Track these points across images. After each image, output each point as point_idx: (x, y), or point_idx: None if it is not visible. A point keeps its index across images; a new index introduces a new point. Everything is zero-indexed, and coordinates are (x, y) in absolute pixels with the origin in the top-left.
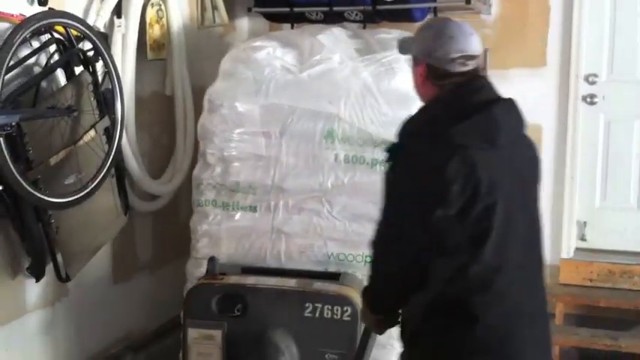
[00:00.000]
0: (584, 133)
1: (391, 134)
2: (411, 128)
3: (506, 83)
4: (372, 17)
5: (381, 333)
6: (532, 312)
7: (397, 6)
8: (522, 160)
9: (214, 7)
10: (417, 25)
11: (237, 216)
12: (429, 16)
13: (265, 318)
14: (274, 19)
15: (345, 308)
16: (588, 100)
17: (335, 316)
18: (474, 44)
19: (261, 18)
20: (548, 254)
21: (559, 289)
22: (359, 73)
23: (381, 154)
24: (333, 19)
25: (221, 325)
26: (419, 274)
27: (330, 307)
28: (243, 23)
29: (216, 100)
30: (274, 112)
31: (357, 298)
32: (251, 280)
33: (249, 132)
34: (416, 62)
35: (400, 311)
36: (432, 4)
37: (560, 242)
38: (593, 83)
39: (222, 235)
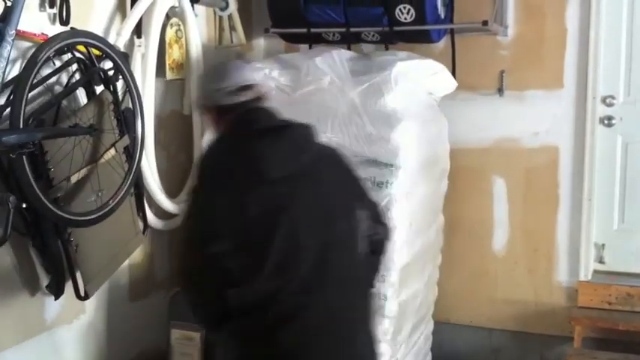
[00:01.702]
0: (602, 154)
1: (374, 152)
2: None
3: (523, 105)
4: (390, 38)
5: None
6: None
7: (414, 27)
8: (320, 185)
9: (232, 28)
10: (435, 46)
11: None
12: (447, 37)
13: None
14: (291, 39)
15: None
16: (606, 121)
17: None
18: (244, 75)
19: (278, 38)
20: (566, 277)
21: (577, 312)
22: (346, 93)
23: (364, 172)
24: (350, 40)
25: (200, 328)
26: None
27: None
28: (261, 43)
29: None
30: None
31: None
32: None
33: None
34: (203, 112)
35: None
36: (449, 26)
37: (578, 265)
38: (610, 105)
39: None
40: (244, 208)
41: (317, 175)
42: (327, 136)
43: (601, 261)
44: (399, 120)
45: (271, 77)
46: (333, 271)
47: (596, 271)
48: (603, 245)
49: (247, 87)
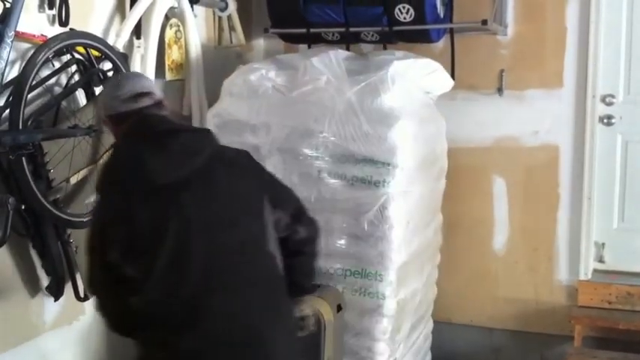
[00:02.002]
0: (602, 153)
1: (371, 152)
2: None
3: (523, 104)
4: (389, 38)
5: None
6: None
7: (414, 27)
8: (216, 188)
9: (231, 28)
10: (434, 45)
11: None
12: (446, 37)
13: None
14: (291, 39)
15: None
16: (605, 120)
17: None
18: (140, 83)
19: (278, 39)
20: (566, 276)
21: (577, 311)
22: (343, 92)
23: (360, 171)
24: (349, 39)
25: None
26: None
27: None
28: (260, 44)
29: (216, 118)
30: (265, 129)
31: (325, 309)
32: None
33: (242, 147)
34: (105, 123)
35: None
36: (449, 25)
37: (578, 264)
38: (610, 104)
39: None
40: (133, 215)
41: (211, 179)
42: (325, 135)
43: (601, 260)
44: (396, 119)
45: (268, 78)
46: (230, 275)
47: (596, 270)
48: (603, 244)
49: (143, 94)
